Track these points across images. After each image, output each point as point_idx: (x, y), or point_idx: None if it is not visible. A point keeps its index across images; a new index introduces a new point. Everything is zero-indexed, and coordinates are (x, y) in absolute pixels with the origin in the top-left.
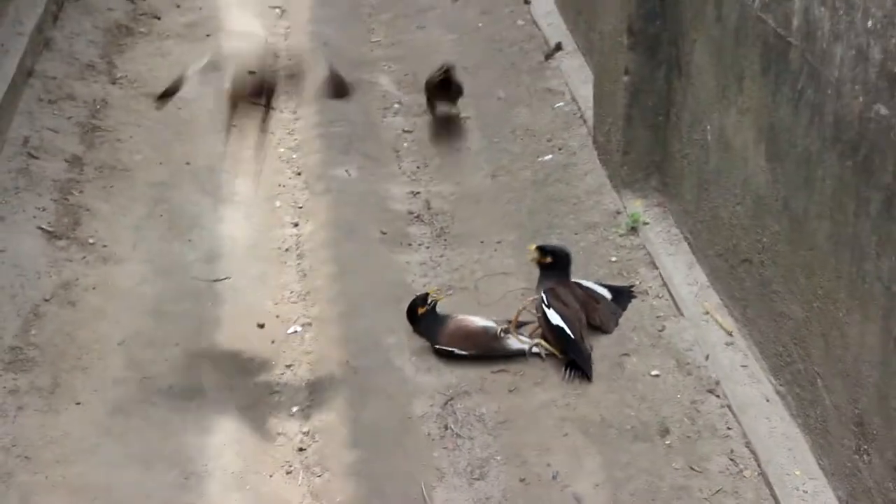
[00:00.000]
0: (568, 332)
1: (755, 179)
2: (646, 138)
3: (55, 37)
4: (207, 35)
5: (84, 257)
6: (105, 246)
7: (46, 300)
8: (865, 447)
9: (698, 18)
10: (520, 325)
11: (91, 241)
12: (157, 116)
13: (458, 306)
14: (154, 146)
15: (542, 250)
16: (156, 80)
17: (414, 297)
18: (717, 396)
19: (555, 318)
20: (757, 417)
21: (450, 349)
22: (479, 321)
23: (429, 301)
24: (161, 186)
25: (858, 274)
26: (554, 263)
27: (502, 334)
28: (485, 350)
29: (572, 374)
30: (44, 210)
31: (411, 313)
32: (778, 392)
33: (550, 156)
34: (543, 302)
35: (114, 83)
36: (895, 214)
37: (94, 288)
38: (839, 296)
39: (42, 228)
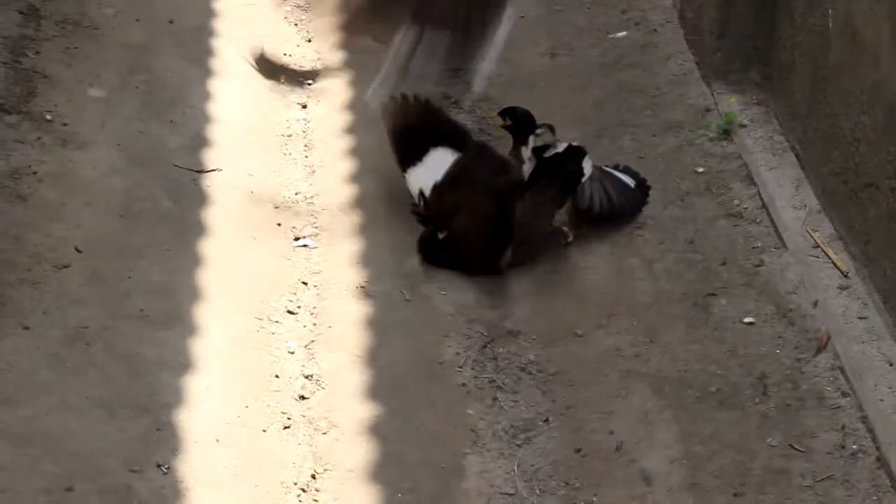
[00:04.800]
0: None
1: (889, 84)
2: (748, 18)
3: None
4: None
5: (39, 138)
6: (65, 124)
7: None
8: None
9: None
10: None
11: (48, 117)
12: None
13: None
14: None
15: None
16: None
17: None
18: (828, 354)
19: None
20: (877, 385)
21: None
22: None
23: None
24: (137, 50)
25: None
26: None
27: None
28: None
29: None
30: None
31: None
32: None
33: (625, 32)
34: None
35: None
36: None
37: (50, 178)
38: None
39: None
